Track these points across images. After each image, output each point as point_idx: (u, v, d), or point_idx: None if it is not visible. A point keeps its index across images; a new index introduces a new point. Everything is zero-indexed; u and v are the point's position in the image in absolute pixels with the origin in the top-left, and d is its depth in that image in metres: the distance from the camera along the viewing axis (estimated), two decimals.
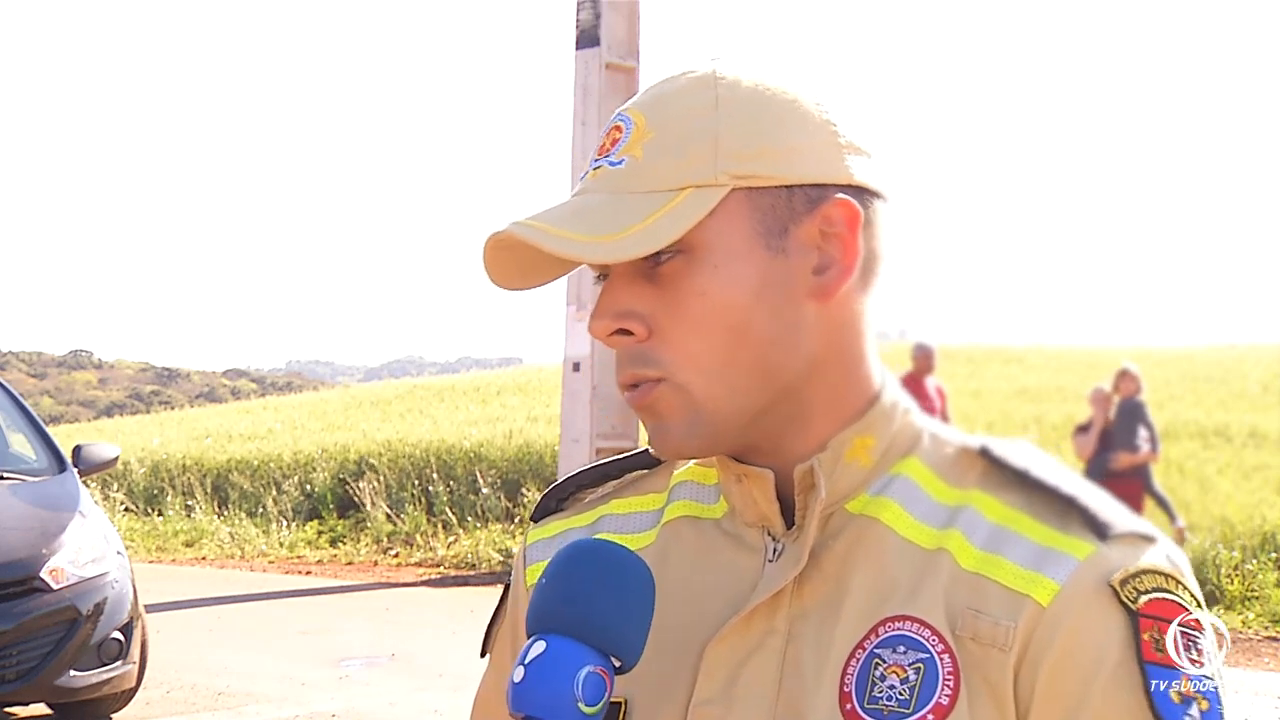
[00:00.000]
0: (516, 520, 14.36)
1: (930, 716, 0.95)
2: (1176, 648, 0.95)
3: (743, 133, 0.98)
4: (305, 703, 7.66)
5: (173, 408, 39.80)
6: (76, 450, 7.54)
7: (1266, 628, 9.85)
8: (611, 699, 1.00)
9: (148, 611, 7.21)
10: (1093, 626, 0.94)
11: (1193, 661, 0.95)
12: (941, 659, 0.96)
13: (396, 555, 14.39)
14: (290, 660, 8.77)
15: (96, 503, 7.45)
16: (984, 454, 1.03)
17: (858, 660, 0.98)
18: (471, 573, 13.16)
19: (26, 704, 6.78)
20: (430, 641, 9.40)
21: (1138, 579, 0.95)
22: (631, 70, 10.03)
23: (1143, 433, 10.98)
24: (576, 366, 10.31)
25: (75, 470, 7.37)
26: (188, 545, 15.93)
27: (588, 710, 0.92)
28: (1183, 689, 0.94)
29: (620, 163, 0.99)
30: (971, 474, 1.03)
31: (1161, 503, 11.03)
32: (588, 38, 9.58)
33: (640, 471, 1.15)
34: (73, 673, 6.42)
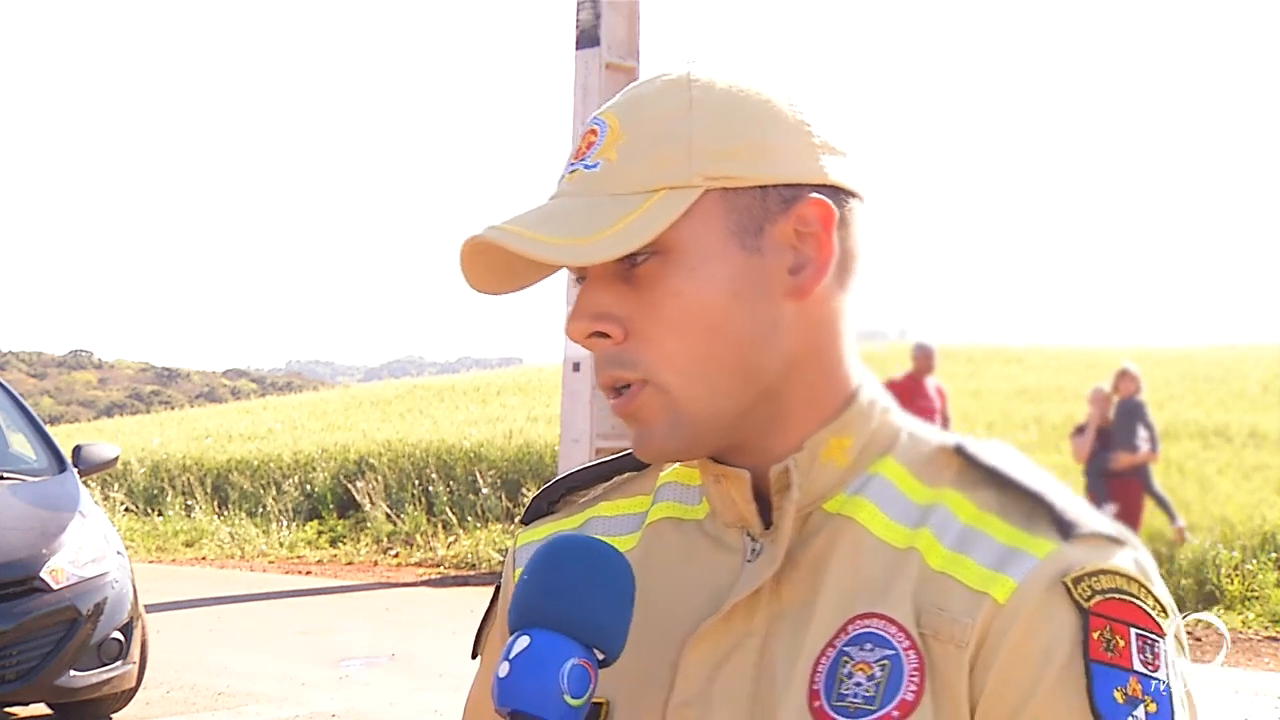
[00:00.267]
0: (516, 520, 14.33)
1: (895, 713, 0.95)
2: (1129, 649, 0.94)
3: (716, 134, 0.99)
4: (305, 703, 7.66)
5: (173, 408, 39.79)
6: (76, 450, 7.54)
7: (1266, 628, 9.85)
8: (594, 700, 1.01)
9: (148, 611, 7.21)
10: (1044, 623, 0.94)
11: (1146, 664, 0.95)
12: (907, 655, 0.96)
13: (396, 555, 14.39)
14: (290, 660, 8.77)
15: (96, 503, 7.45)
16: (959, 453, 1.03)
17: (828, 658, 0.98)
18: (471, 573, 13.16)
19: (26, 704, 6.78)
20: (430, 641, 9.40)
21: (1094, 578, 0.95)
22: (631, 70, 10.03)
23: (1142, 433, 10.98)
24: (576, 366, 10.32)
25: (75, 470, 7.38)
26: (188, 545, 15.93)
27: (573, 702, 0.93)
28: (1129, 690, 0.94)
29: (595, 166, 1.00)
30: (946, 473, 1.03)
31: (1161, 503, 11.02)
32: (588, 38, 9.58)
33: (630, 473, 1.16)
34: (73, 673, 6.42)
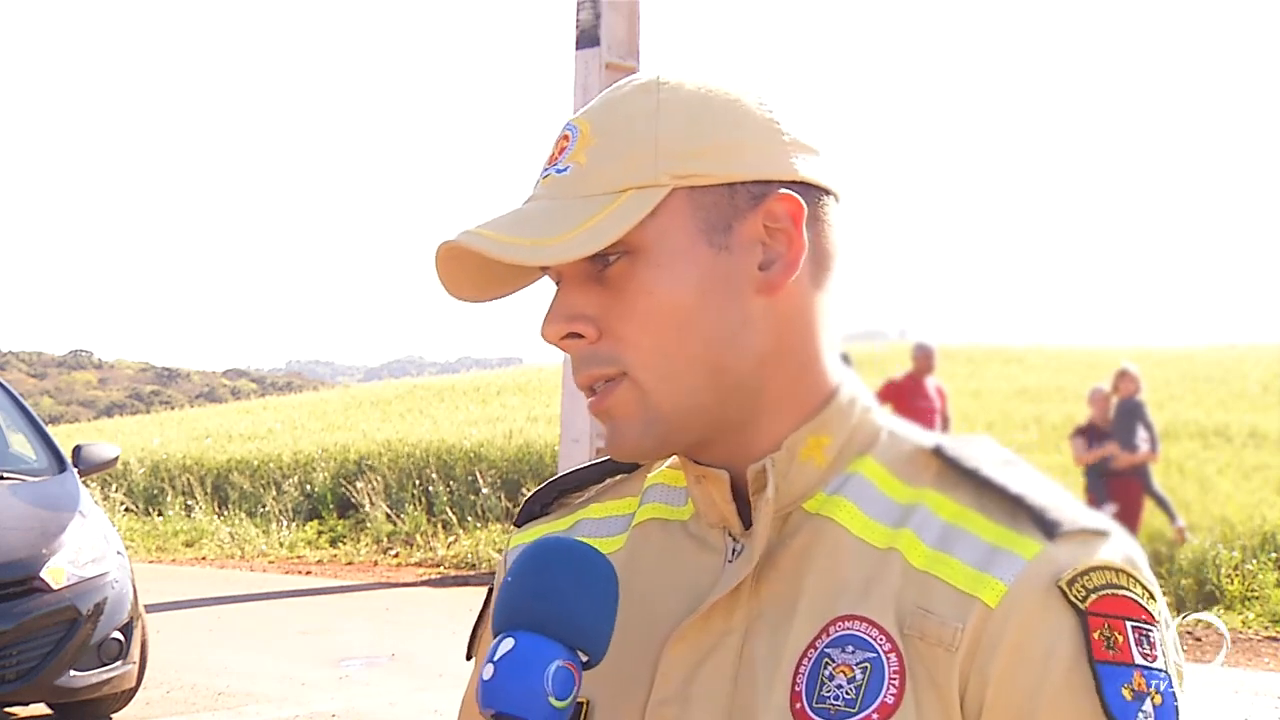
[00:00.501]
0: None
1: (875, 715, 0.95)
2: (1128, 643, 0.95)
3: (683, 133, 1.00)
4: (305, 703, 7.66)
5: (173, 408, 39.79)
6: (76, 450, 7.54)
7: (1266, 628, 9.85)
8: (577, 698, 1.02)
9: (148, 611, 7.21)
10: (1041, 628, 0.94)
11: (1145, 655, 0.95)
12: (888, 658, 0.97)
13: (396, 555, 14.39)
14: (290, 660, 8.77)
15: (96, 503, 7.45)
16: (938, 453, 1.03)
17: (809, 660, 0.99)
18: (471, 573, 13.16)
19: (26, 704, 6.78)
20: (430, 641, 9.39)
21: (1086, 577, 0.95)
22: (631, 70, 10.03)
23: (1142, 433, 10.97)
24: None
25: (75, 470, 7.38)
26: (188, 545, 15.93)
27: (558, 704, 0.93)
28: (1135, 685, 0.94)
29: (566, 170, 1.01)
30: (926, 473, 1.03)
31: (1161, 503, 11.02)
32: (588, 38, 9.58)
33: (620, 476, 1.17)
34: (73, 673, 6.42)
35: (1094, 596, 0.95)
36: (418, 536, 14.69)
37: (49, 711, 6.89)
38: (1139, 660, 0.95)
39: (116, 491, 18.21)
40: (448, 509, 14.98)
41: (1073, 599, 0.95)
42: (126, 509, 17.86)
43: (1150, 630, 0.96)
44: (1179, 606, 10.26)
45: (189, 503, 17.52)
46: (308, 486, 16.71)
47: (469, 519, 14.72)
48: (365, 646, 9.26)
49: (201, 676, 8.25)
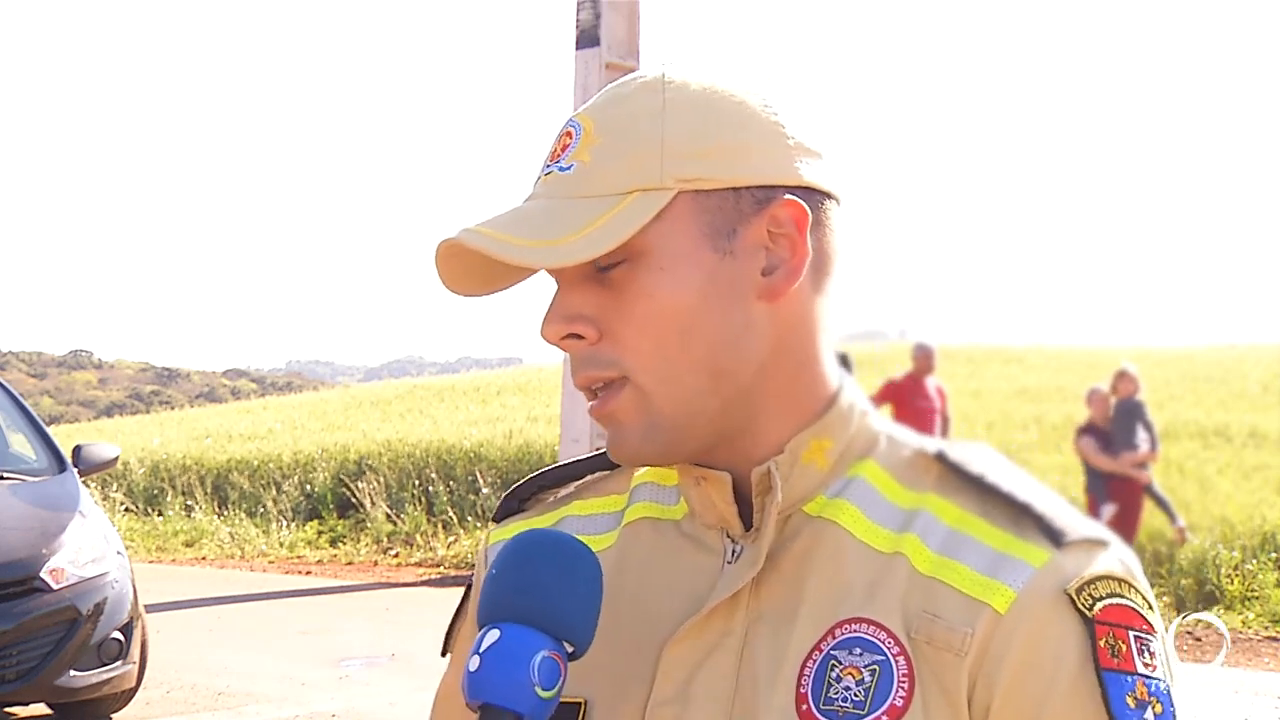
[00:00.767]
0: None
1: (885, 718, 0.96)
2: (1131, 652, 0.96)
3: (689, 136, 0.99)
4: (305, 703, 7.66)
5: (173, 408, 39.80)
6: (76, 450, 7.54)
7: (1266, 628, 9.85)
8: (571, 699, 1.03)
9: (148, 611, 7.21)
10: (1050, 635, 0.95)
11: (1146, 665, 0.97)
12: (897, 661, 0.97)
13: (396, 555, 14.39)
14: (290, 660, 8.77)
15: (96, 503, 7.45)
16: (940, 458, 1.04)
17: (814, 661, 0.99)
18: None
19: (26, 704, 6.79)
20: (430, 641, 9.31)
21: (1093, 585, 0.96)
22: (631, 70, 10.00)
23: (1142, 433, 10.97)
24: None
25: (75, 470, 7.38)
26: (188, 545, 15.93)
27: (544, 694, 0.94)
28: (1138, 693, 0.96)
29: (569, 168, 1.00)
30: (928, 478, 1.03)
31: (1161, 503, 11.02)
32: (588, 38, 9.57)
33: (602, 472, 1.16)
34: (73, 673, 6.42)
35: (1100, 605, 0.96)
36: (418, 536, 14.69)
37: (49, 711, 6.89)
38: (1141, 669, 0.96)
39: (116, 491, 18.21)
40: (448, 509, 14.98)
41: (1080, 607, 0.96)
42: (126, 509, 17.87)
43: (1150, 640, 0.98)
44: (1179, 606, 10.27)
45: (189, 503, 17.52)
46: (308, 486, 16.71)
47: (469, 519, 14.72)
48: (365, 646, 9.26)
49: (201, 676, 8.25)
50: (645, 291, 0.99)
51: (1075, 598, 0.96)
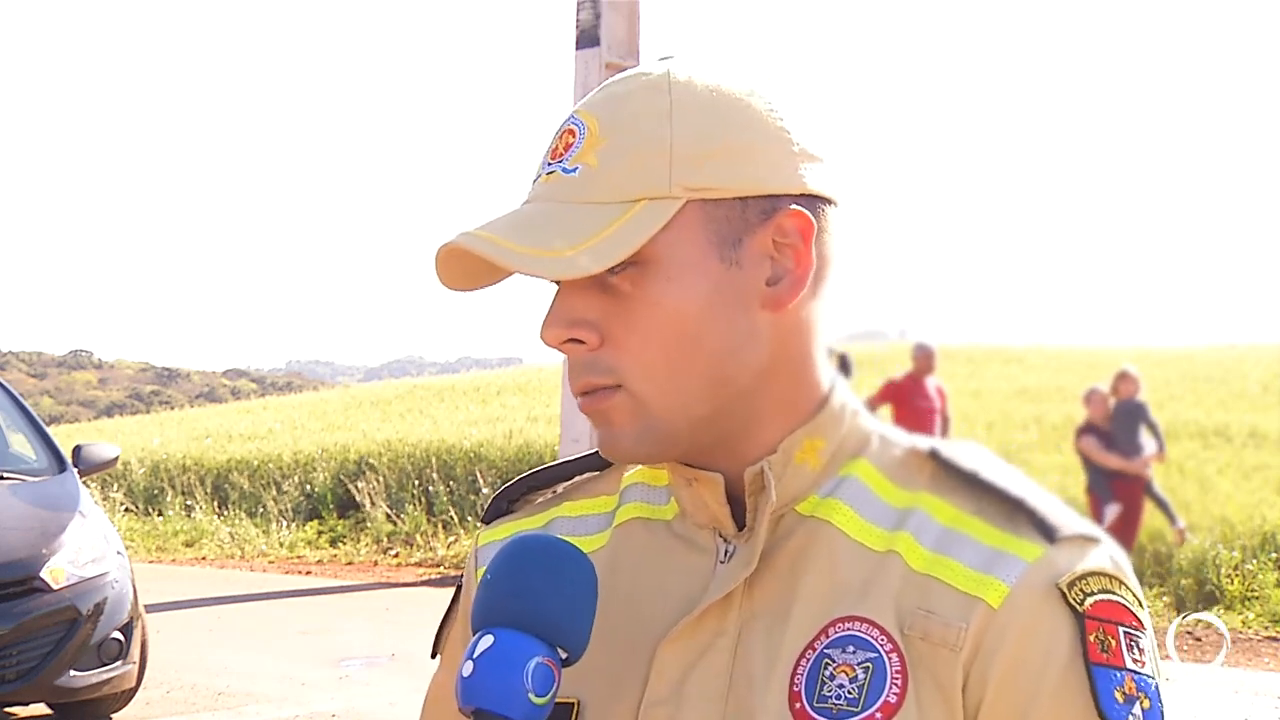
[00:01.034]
0: None
1: (879, 715, 0.96)
2: (1121, 648, 0.97)
3: (696, 142, 0.98)
4: (305, 703, 7.66)
5: (173, 408, 39.80)
6: (76, 450, 7.54)
7: (1266, 628, 9.85)
8: (564, 699, 1.02)
9: (148, 611, 7.21)
10: (1041, 629, 0.96)
11: (1135, 660, 0.97)
12: (890, 658, 0.97)
13: (396, 555, 14.39)
14: (290, 660, 8.77)
15: (96, 503, 7.45)
16: (933, 456, 1.04)
17: (808, 660, 0.99)
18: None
19: (26, 704, 6.78)
20: (430, 642, 9.37)
21: (1084, 581, 0.97)
22: None
23: (1146, 435, 10.96)
24: None
25: (75, 470, 7.37)
26: (188, 545, 15.93)
27: (538, 701, 0.93)
28: (1126, 688, 0.96)
29: (574, 170, 0.99)
30: (921, 476, 1.03)
31: (1161, 504, 11.01)
32: (588, 38, 9.57)
33: (592, 473, 1.16)
34: (73, 673, 6.42)
35: (1091, 600, 0.97)
36: (418, 536, 14.69)
37: (49, 711, 6.89)
38: (1130, 665, 0.97)
39: (116, 491, 18.21)
40: (448, 509, 14.98)
41: (1071, 601, 0.96)
42: (126, 509, 17.86)
43: (1139, 636, 0.98)
44: (1179, 606, 10.26)
45: (189, 503, 17.52)
46: (308, 486, 16.71)
47: (469, 519, 14.71)
48: (365, 646, 9.26)
49: (201, 676, 8.25)
50: (651, 300, 0.98)
51: (1067, 592, 0.96)
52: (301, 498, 16.63)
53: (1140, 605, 0.99)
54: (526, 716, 0.93)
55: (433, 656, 1.21)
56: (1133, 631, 0.98)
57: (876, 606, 0.99)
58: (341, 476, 16.48)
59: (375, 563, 14.20)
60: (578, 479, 1.17)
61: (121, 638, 6.65)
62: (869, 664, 0.97)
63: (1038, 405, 18.07)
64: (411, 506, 15.23)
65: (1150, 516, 11.02)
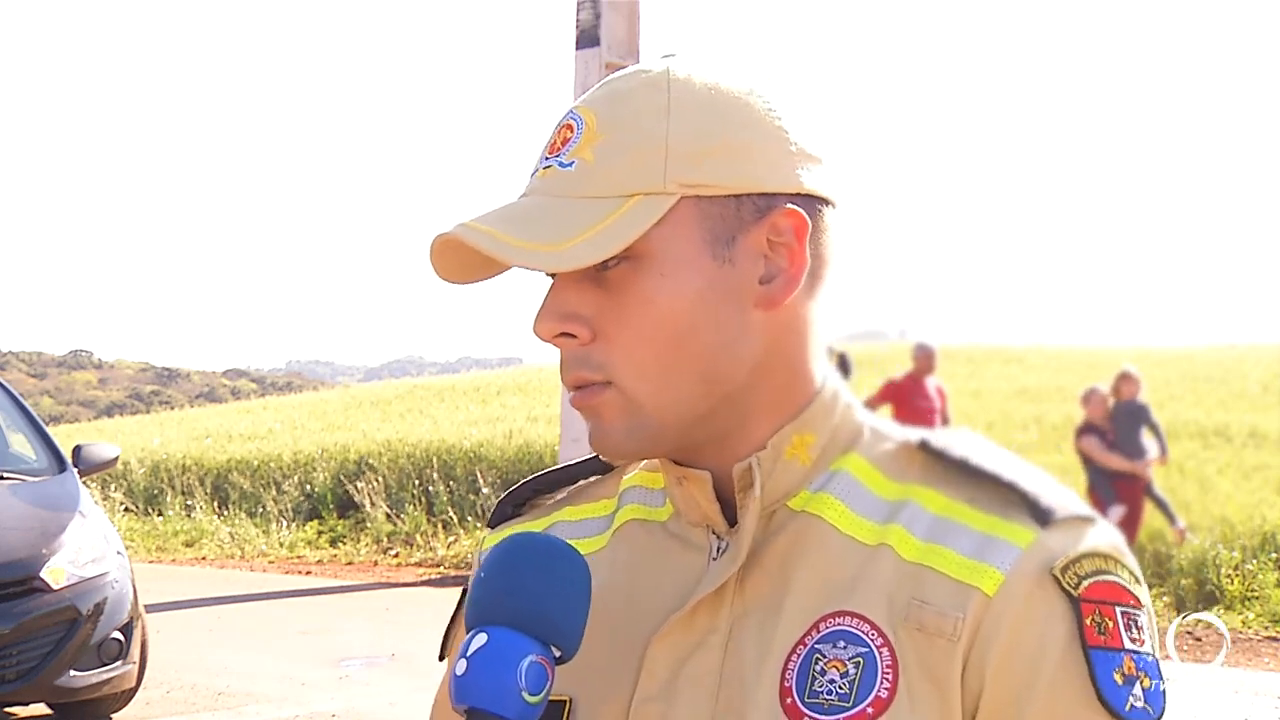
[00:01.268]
0: None
1: (869, 709, 0.96)
2: (1118, 628, 0.96)
3: (693, 138, 0.98)
4: (305, 703, 7.66)
5: (173, 408, 39.79)
6: (76, 450, 7.53)
7: (1266, 628, 9.85)
8: (556, 697, 1.02)
9: (148, 611, 7.21)
10: (1037, 615, 0.96)
11: (1134, 640, 0.97)
12: (880, 653, 0.97)
13: (396, 555, 14.39)
14: (290, 660, 8.77)
15: (96, 503, 7.45)
16: (923, 447, 1.04)
17: (799, 656, 0.99)
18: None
19: (26, 704, 6.78)
20: (430, 641, 9.26)
21: (1078, 564, 0.97)
22: None
23: (1148, 436, 10.95)
24: None
25: (75, 470, 7.37)
26: (188, 545, 15.93)
27: (531, 699, 0.93)
28: (1125, 669, 0.96)
29: (570, 165, 0.99)
30: (912, 468, 1.03)
31: (1160, 504, 11.00)
32: (588, 38, 9.57)
33: (593, 477, 1.17)
34: (73, 673, 6.42)
35: (1086, 583, 0.96)
36: (418, 536, 14.68)
37: (49, 711, 6.89)
38: (1129, 645, 0.97)
39: (116, 491, 18.20)
40: (448, 509, 14.98)
41: (1066, 586, 0.96)
42: (126, 509, 17.86)
43: (1138, 615, 0.98)
44: (1179, 606, 10.26)
45: (189, 503, 17.52)
46: (308, 486, 16.71)
47: (469, 519, 14.72)
48: (365, 646, 9.26)
49: (201, 676, 8.25)
50: (644, 297, 0.98)
51: (1061, 577, 0.96)
52: (301, 498, 16.62)
53: (1138, 582, 0.99)
54: (520, 715, 0.93)
55: (440, 659, 1.21)
56: (1130, 610, 0.97)
57: (867, 601, 0.99)
58: (341, 476, 16.47)
59: (375, 563, 14.20)
60: (581, 483, 1.17)
61: (121, 638, 6.65)
62: (860, 659, 0.97)
63: (1038, 405, 18.07)
64: (411, 506, 15.22)
65: (1150, 516, 11.02)
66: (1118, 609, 0.97)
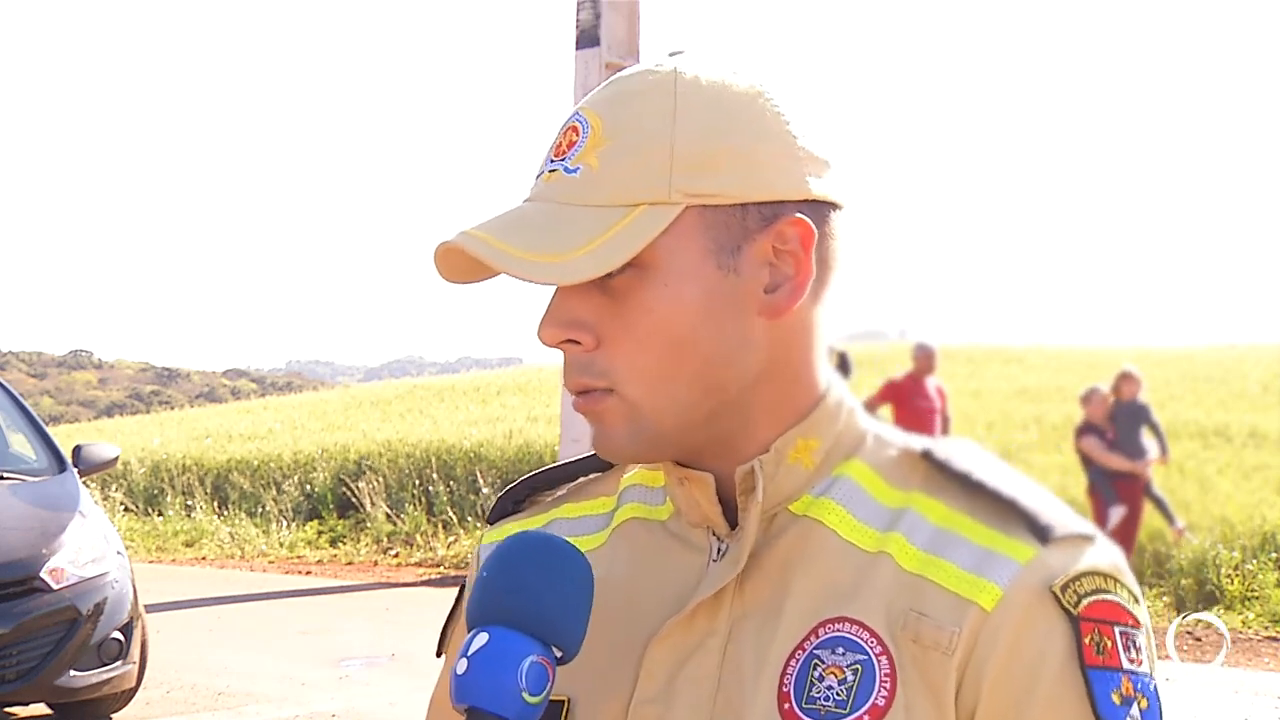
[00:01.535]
0: None
1: (866, 717, 0.96)
2: (1116, 648, 0.96)
3: (699, 144, 0.97)
4: (305, 703, 7.66)
5: (173, 408, 39.79)
6: (76, 450, 7.53)
7: (1266, 628, 9.85)
8: (555, 697, 1.02)
9: (148, 611, 7.21)
10: (1035, 633, 0.95)
11: (1132, 660, 0.96)
12: (879, 661, 0.97)
13: (396, 555, 14.39)
14: (290, 660, 8.77)
15: (96, 503, 7.45)
16: (926, 457, 1.03)
17: (797, 661, 0.99)
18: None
19: (26, 704, 6.78)
20: (430, 641, 9.24)
21: (1077, 582, 0.96)
22: None
23: (1148, 437, 10.94)
24: None
25: (75, 470, 7.37)
26: (188, 545, 15.93)
27: (531, 700, 0.93)
28: (1123, 690, 0.95)
29: (575, 170, 0.98)
30: (914, 476, 1.03)
31: (1159, 504, 11.00)
32: (588, 38, 9.57)
33: (593, 475, 1.16)
34: (73, 673, 6.42)
35: (1085, 602, 0.96)
36: (418, 536, 14.68)
37: (49, 711, 6.89)
38: (1127, 665, 0.96)
39: (116, 491, 18.20)
40: (448, 509, 14.98)
41: (1065, 604, 0.96)
42: (126, 509, 17.86)
43: (1136, 635, 0.98)
44: (1179, 606, 10.26)
45: (189, 503, 17.52)
46: (308, 486, 16.71)
47: (469, 519, 14.72)
48: (365, 646, 9.26)
49: (201, 676, 8.25)
50: (647, 306, 0.98)
51: (1060, 595, 0.96)
52: (301, 498, 16.62)
53: (1136, 602, 0.99)
54: (520, 715, 0.93)
55: (438, 655, 1.21)
56: (1129, 630, 0.97)
57: (866, 608, 0.98)
58: (341, 476, 16.47)
59: (375, 563, 14.19)
60: (580, 480, 1.17)
61: (121, 638, 6.65)
62: (858, 666, 0.97)
63: (1038, 405, 18.06)
64: (411, 506, 15.22)
65: (1150, 516, 11.02)
66: (1116, 629, 0.96)
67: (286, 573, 13.76)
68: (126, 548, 7.24)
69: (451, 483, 15.47)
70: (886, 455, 1.04)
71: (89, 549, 6.67)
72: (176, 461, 18.76)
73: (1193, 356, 24.61)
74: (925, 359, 11.13)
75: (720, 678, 1.00)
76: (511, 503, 1.19)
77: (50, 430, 7.86)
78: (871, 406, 10.59)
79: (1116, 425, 10.85)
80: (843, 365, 10.84)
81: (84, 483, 7.36)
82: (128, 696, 6.91)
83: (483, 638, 0.94)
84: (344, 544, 15.17)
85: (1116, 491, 10.60)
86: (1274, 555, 10.66)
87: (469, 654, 0.94)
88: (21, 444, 7.63)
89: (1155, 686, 0.98)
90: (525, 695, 0.93)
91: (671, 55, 1.03)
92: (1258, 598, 10.28)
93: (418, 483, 15.68)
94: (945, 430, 11.04)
